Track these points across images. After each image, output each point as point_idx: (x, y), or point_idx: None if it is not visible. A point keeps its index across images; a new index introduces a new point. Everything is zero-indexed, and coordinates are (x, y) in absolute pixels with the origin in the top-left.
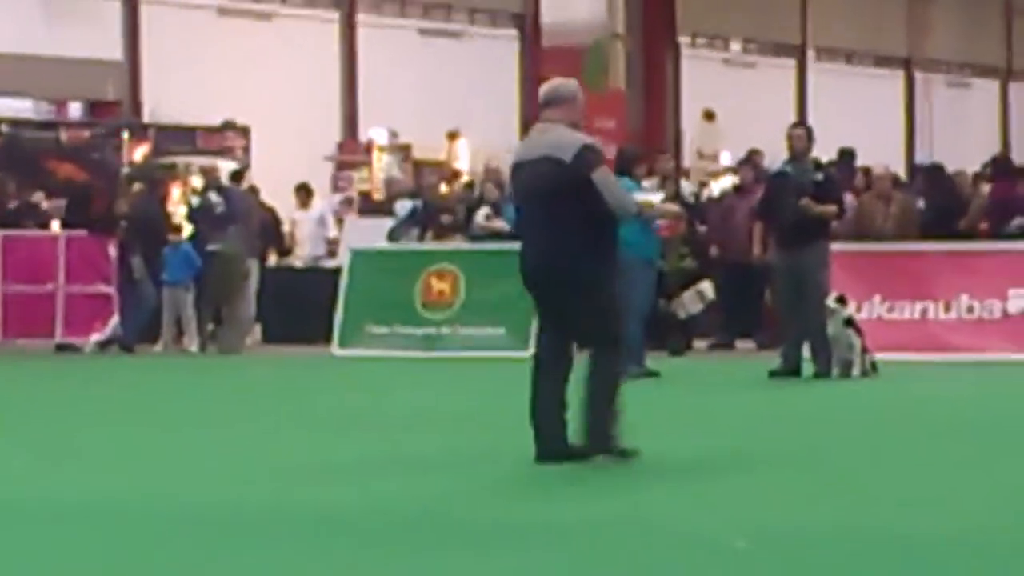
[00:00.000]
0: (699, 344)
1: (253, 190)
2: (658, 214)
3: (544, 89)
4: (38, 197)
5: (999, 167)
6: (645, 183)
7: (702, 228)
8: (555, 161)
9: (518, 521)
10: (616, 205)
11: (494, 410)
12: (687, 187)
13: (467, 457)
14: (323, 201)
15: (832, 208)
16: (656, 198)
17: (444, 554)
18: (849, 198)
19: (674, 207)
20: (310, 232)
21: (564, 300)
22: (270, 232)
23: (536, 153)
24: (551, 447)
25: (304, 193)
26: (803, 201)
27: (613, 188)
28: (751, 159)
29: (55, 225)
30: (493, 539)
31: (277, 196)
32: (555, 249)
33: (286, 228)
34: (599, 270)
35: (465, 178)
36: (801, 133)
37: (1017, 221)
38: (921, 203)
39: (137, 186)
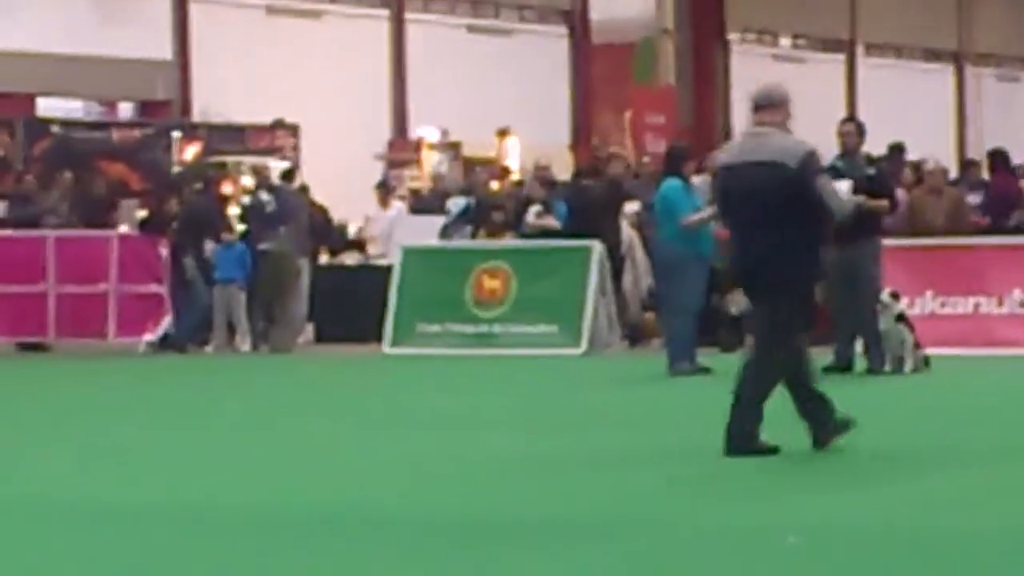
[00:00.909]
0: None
1: (304, 189)
2: (702, 222)
3: (757, 93)
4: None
5: (996, 161)
6: (695, 179)
7: None
8: (780, 166)
9: (568, 520)
10: (837, 210)
11: (546, 410)
12: None
13: (515, 458)
14: (399, 201)
15: (884, 203)
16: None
17: (488, 552)
18: (900, 193)
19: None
20: (383, 231)
21: (773, 299)
22: (321, 231)
23: (757, 157)
24: (741, 442)
25: (384, 191)
26: (858, 198)
27: (833, 195)
28: None
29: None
30: (533, 538)
31: (327, 194)
32: (773, 251)
33: (358, 225)
34: (810, 273)
35: (515, 176)
36: (851, 129)
37: (1017, 217)
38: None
39: (197, 186)
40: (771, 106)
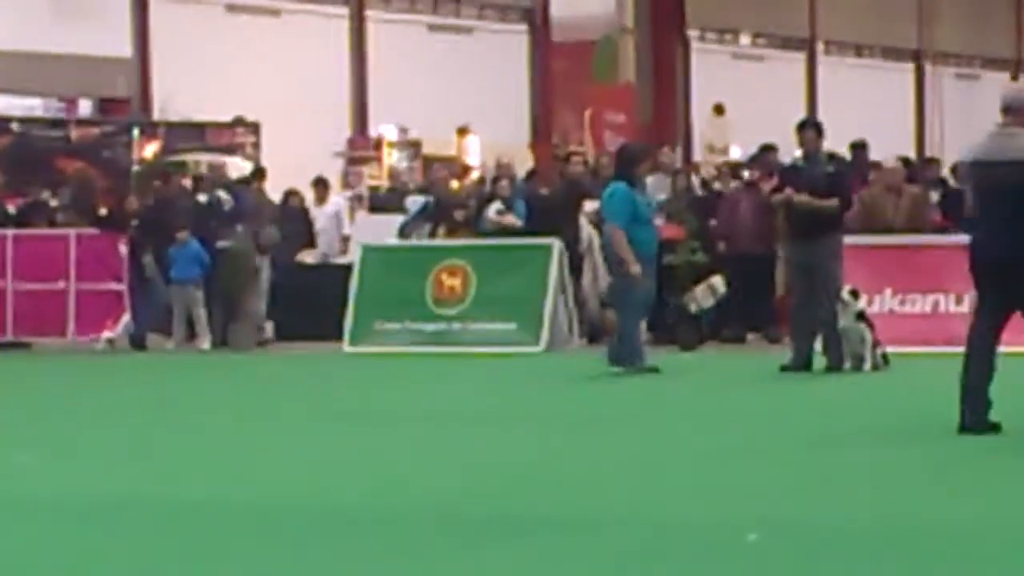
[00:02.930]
0: (710, 338)
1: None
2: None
3: (1007, 96)
4: (45, 195)
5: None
6: (649, 179)
7: (713, 223)
8: None
9: (526, 516)
10: None
11: (506, 406)
12: (696, 181)
13: (477, 453)
14: (338, 196)
15: (832, 202)
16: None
17: (444, 550)
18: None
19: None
20: (323, 227)
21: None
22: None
23: (1008, 156)
24: (976, 420)
25: (321, 187)
26: (790, 197)
27: None
28: (764, 155)
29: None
30: (498, 534)
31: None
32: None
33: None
34: None
35: (475, 174)
36: (811, 135)
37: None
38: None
39: (156, 184)
40: (1020, 109)
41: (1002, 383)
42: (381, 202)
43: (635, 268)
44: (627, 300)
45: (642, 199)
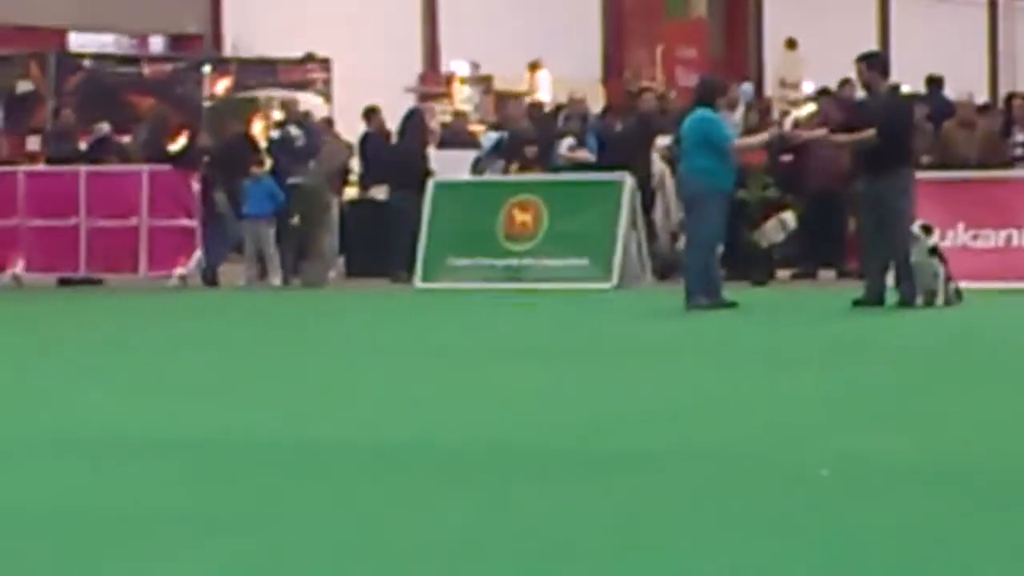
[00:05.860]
0: (781, 273)
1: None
2: (749, 148)
3: None
4: (105, 129)
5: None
6: (725, 112)
7: (786, 158)
8: None
9: (596, 452)
10: None
11: (577, 343)
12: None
13: (548, 389)
14: None
15: (861, 135)
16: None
17: (511, 485)
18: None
19: (762, 136)
20: None
21: None
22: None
23: None
24: None
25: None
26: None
27: None
28: (841, 90)
29: None
30: (566, 470)
31: (358, 128)
32: None
33: None
34: None
35: (547, 109)
36: (861, 68)
37: None
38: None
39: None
40: None
41: None
42: (455, 139)
43: (765, 136)
44: (696, 236)
45: (729, 129)
